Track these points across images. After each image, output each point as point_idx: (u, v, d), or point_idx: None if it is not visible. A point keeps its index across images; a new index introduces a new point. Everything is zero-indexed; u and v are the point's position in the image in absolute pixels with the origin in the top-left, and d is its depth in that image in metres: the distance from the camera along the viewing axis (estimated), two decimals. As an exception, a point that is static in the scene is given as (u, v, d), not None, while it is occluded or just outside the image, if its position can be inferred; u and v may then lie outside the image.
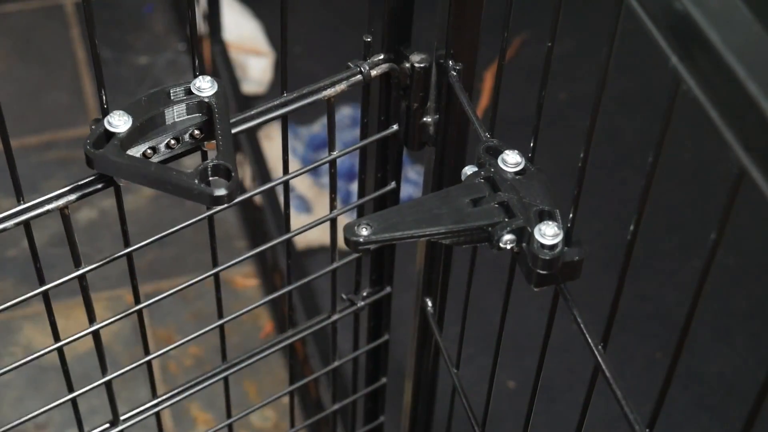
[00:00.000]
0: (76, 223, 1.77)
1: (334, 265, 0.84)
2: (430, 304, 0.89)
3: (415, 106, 0.74)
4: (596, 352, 0.62)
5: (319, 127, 1.76)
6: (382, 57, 0.73)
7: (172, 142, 0.66)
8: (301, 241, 1.62)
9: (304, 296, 1.48)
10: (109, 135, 0.63)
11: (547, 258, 0.60)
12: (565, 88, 1.83)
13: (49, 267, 1.72)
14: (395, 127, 0.77)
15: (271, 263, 1.60)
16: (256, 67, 1.82)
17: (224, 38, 1.79)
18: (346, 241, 0.61)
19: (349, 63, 0.73)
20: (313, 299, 1.50)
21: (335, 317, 0.89)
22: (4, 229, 0.67)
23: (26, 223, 0.67)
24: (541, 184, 0.63)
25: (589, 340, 0.62)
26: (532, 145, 0.65)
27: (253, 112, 0.71)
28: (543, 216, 0.61)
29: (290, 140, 1.77)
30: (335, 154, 0.76)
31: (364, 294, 0.90)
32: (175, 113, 0.66)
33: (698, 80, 0.43)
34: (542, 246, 0.60)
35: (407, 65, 0.72)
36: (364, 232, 0.61)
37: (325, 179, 1.69)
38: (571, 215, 0.60)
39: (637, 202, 0.53)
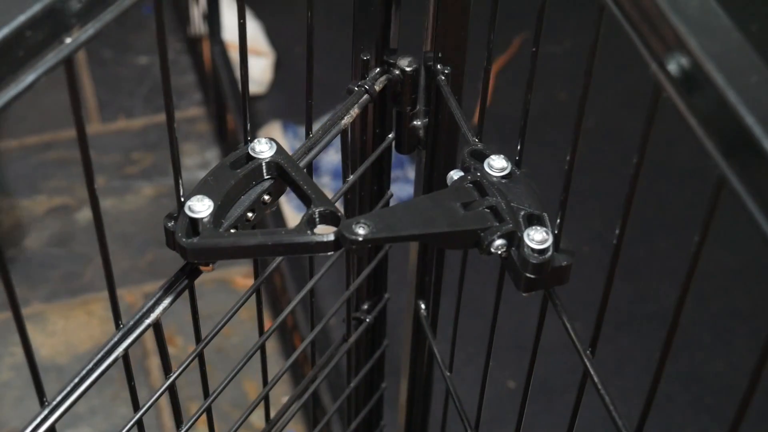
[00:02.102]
0: (76, 223, 1.78)
1: (350, 290, 0.84)
2: (423, 307, 0.89)
3: (406, 109, 0.74)
4: (585, 358, 0.61)
5: (317, 127, 1.76)
6: (378, 71, 0.73)
7: (249, 215, 0.64)
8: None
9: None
10: (194, 222, 0.61)
11: (537, 262, 0.60)
12: (565, 88, 1.83)
13: (49, 267, 1.73)
14: (391, 136, 0.77)
15: (264, 264, 1.60)
16: (255, 68, 1.82)
17: (224, 38, 1.79)
18: (343, 239, 0.61)
19: (350, 86, 0.73)
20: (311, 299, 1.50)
21: (352, 339, 0.89)
22: (115, 360, 0.62)
23: (125, 356, 0.64)
24: (528, 188, 0.63)
25: (578, 345, 0.62)
26: (519, 148, 0.65)
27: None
28: (531, 220, 0.61)
29: (290, 140, 1.78)
30: (352, 178, 0.76)
31: (365, 307, 0.90)
32: (244, 183, 0.64)
33: (677, 87, 0.42)
34: (532, 250, 0.60)
35: (397, 72, 0.72)
36: (362, 231, 0.61)
37: (324, 179, 1.69)
38: (558, 221, 0.60)
39: (623, 209, 0.53)
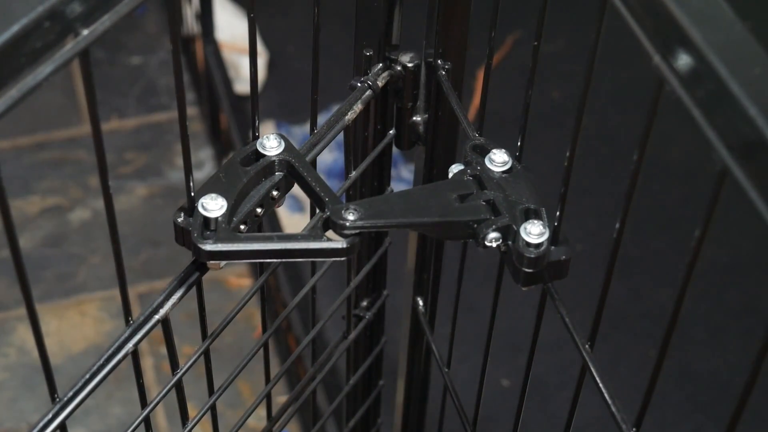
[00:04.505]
0: (69, 224, 1.77)
1: (350, 287, 0.84)
2: (421, 303, 0.89)
3: (407, 105, 0.75)
4: (583, 352, 0.62)
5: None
6: (380, 66, 0.73)
7: (258, 210, 0.64)
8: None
9: (295, 293, 1.48)
10: (207, 220, 0.61)
11: (533, 256, 0.60)
12: (558, 87, 1.83)
13: (42, 268, 1.73)
14: (392, 132, 0.77)
15: (264, 263, 1.60)
16: (248, 67, 1.82)
17: (217, 38, 1.78)
18: (333, 224, 0.61)
19: (353, 82, 0.73)
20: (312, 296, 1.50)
21: (352, 337, 0.89)
22: (125, 355, 0.62)
23: (134, 352, 0.63)
24: (528, 183, 0.63)
25: (577, 340, 0.62)
26: (519, 144, 0.65)
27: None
28: (529, 214, 0.61)
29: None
30: (354, 174, 0.76)
31: (364, 304, 0.90)
32: (254, 180, 0.64)
33: (680, 79, 0.43)
34: (528, 244, 0.60)
35: (399, 67, 0.72)
36: (351, 216, 0.61)
37: (319, 179, 1.69)
38: (558, 213, 0.60)
39: (623, 203, 0.53)
